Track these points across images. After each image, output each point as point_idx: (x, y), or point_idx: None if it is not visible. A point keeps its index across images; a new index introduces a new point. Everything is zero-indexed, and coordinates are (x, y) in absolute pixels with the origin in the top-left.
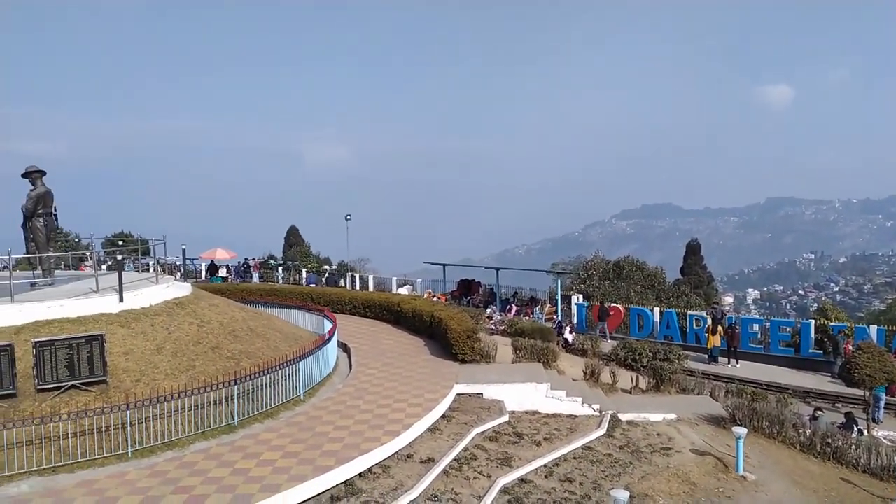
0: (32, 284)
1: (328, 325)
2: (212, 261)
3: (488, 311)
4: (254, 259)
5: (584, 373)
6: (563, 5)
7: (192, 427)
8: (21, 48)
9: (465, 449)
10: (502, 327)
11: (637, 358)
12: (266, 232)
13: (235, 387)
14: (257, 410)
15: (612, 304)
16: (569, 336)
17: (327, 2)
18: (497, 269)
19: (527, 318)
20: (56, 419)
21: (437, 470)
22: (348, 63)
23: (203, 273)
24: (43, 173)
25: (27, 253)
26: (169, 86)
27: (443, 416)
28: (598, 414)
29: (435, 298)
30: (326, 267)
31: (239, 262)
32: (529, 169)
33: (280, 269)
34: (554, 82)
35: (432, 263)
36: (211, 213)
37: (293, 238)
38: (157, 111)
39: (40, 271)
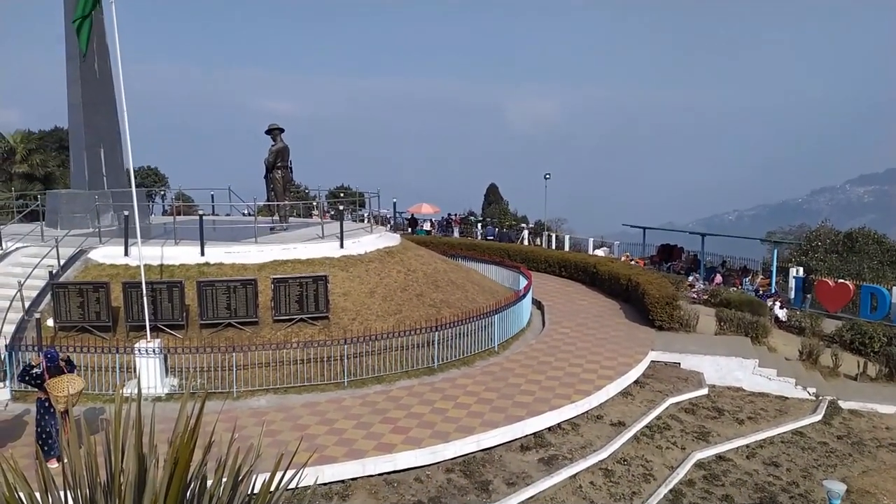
0: (271, 229)
1: (523, 282)
2: (412, 214)
3: (690, 278)
4: (455, 214)
5: (800, 353)
6: None
7: (398, 365)
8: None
9: (659, 417)
10: (705, 296)
11: (867, 342)
12: (468, 188)
13: (436, 333)
14: (455, 357)
15: (840, 280)
16: (779, 312)
17: None
18: (703, 235)
19: (734, 288)
20: (288, 347)
21: (628, 435)
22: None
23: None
24: (282, 130)
25: (267, 201)
26: (382, 43)
27: (636, 382)
28: (814, 398)
29: (633, 262)
30: (523, 225)
31: (442, 217)
32: (743, 123)
33: (479, 225)
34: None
35: (631, 226)
36: (420, 168)
37: (492, 195)
38: (373, 69)
39: (277, 217)
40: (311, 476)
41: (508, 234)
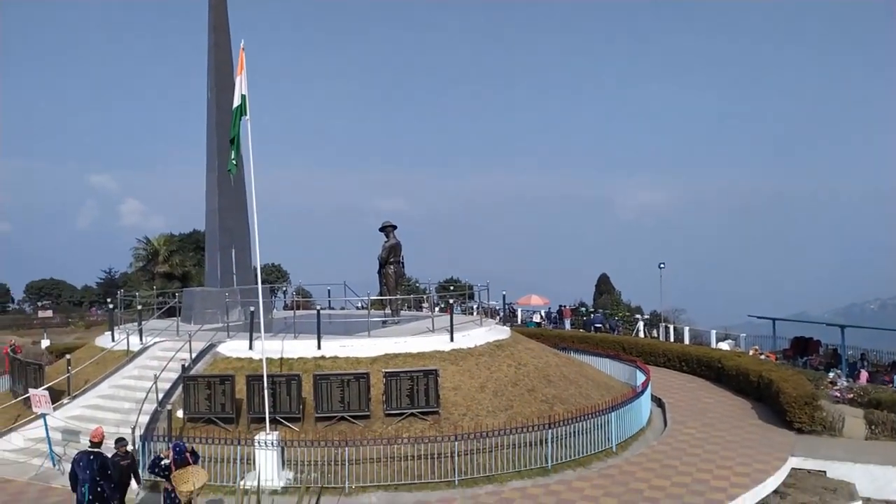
0: (383, 322)
1: (641, 377)
2: (512, 306)
3: (831, 375)
4: (565, 306)
5: None
6: None
7: (510, 464)
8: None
9: None
10: (850, 395)
11: None
12: (578, 279)
13: (549, 430)
14: (569, 457)
15: None
16: None
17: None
18: (842, 327)
19: (884, 386)
20: (399, 442)
21: None
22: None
23: (519, 317)
24: (394, 227)
25: (380, 295)
26: (497, 138)
27: (775, 492)
28: None
29: (763, 356)
30: (638, 316)
31: (551, 309)
32: (880, 204)
33: (590, 315)
34: None
35: (758, 317)
36: (527, 260)
37: (604, 286)
38: (484, 167)
39: (389, 311)
40: None
41: (609, 321)
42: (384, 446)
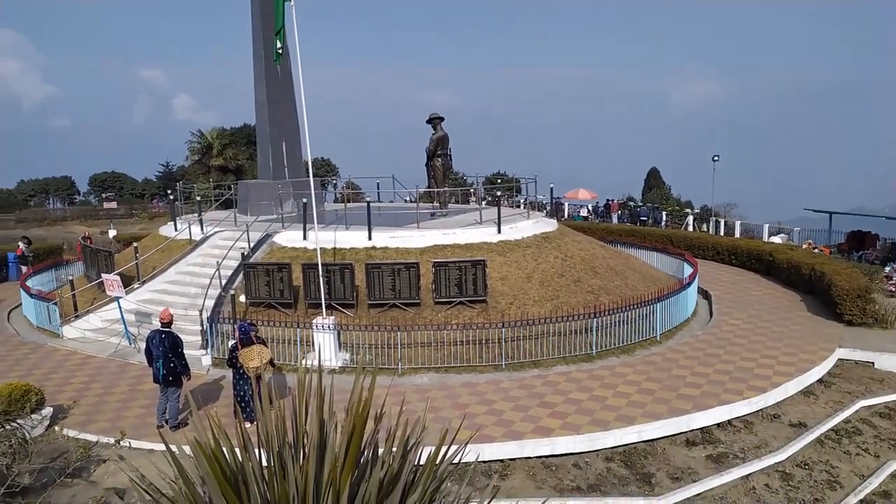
0: (432, 215)
1: (688, 270)
2: (556, 199)
3: (887, 269)
4: (613, 200)
5: None
6: None
7: (555, 351)
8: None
9: (847, 421)
10: None
11: None
12: (628, 174)
13: (595, 319)
14: (613, 345)
15: None
16: None
17: None
18: None
19: None
20: (448, 328)
21: (810, 437)
22: None
23: (564, 211)
24: (442, 119)
25: (428, 188)
26: (542, 32)
27: (819, 381)
28: None
29: (816, 250)
30: (688, 210)
31: (598, 203)
32: None
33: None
34: None
35: (814, 210)
36: (576, 155)
37: (653, 180)
38: (530, 60)
39: (438, 204)
40: (473, 453)
41: (655, 214)
42: (434, 331)
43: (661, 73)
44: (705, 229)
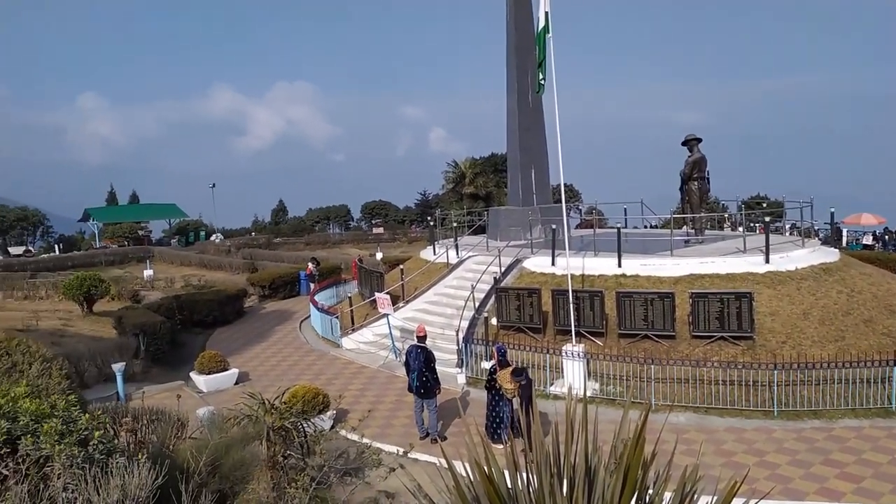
0: (686, 241)
1: None
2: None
3: None
4: None
5: None
6: None
7: (841, 401)
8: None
9: None
10: None
11: None
12: None
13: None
14: None
15: None
16: None
17: None
18: None
19: None
20: (707, 365)
21: None
22: None
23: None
24: (699, 140)
25: (681, 213)
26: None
27: None
28: None
29: None
30: None
31: (886, 229)
32: None
33: None
34: None
35: None
36: (851, 173)
37: None
38: (785, 68)
39: (692, 230)
40: None
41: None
42: (692, 367)
43: None
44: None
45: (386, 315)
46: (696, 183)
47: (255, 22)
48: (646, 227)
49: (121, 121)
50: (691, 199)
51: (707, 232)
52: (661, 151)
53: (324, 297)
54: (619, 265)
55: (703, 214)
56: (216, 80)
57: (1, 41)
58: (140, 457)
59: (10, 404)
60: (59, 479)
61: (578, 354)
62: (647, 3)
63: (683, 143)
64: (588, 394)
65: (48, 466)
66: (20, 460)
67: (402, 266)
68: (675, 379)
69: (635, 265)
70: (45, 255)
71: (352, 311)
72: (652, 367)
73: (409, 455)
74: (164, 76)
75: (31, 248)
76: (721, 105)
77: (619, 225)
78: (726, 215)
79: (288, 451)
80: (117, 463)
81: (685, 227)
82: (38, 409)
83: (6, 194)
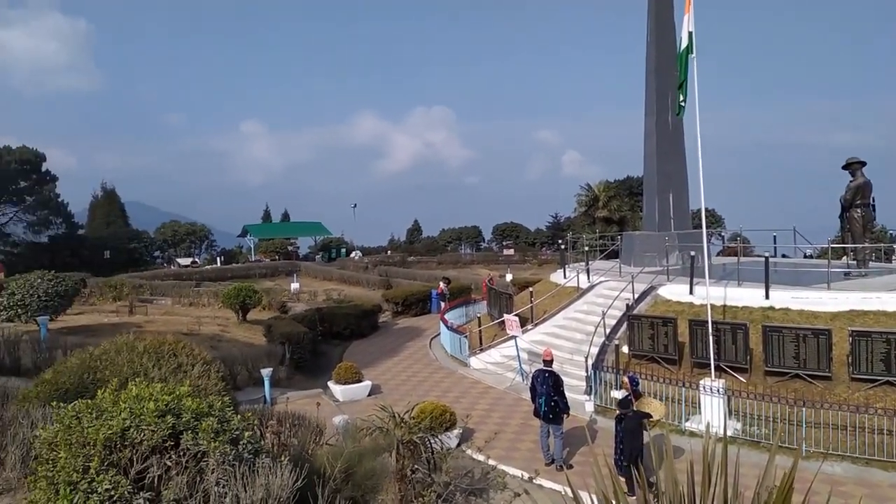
0: (846, 274)
1: None
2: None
3: None
4: None
5: None
6: None
7: None
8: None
9: None
10: None
11: None
12: None
13: None
14: None
15: None
16: None
17: None
18: None
19: None
20: (870, 412)
21: None
22: None
23: None
24: (863, 164)
25: (842, 242)
26: None
27: None
28: None
29: None
30: None
31: None
32: None
33: None
34: None
35: None
36: None
37: None
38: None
39: (854, 261)
40: None
41: None
42: (850, 413)
43: None
44: None
45: (514, 337)
46: (858, 210)
47: (399, 49)
48: (805, 256)
49: (276, 146)
50: (853, 227)
51: (871, 264)
52: (816, 176)
53: (453, 316)
54: (767, 296)
55: (866, 245)
56: (361, 107)
57: (194, 74)
58: (283, 459)
59: (176, 402)
60: (212, 473)
61: (719, 390)
62: (796, 20)
63: (845, 167)
64: (728, 433)
65: (204, 461)
66: (182, 453)
67: (531, 288)
68: (830, 424)
69: (785, 297)
70: (208, 267)
71: (480, 331)
72: (804, 409)
73: (534, 481)
74: (315, 104)
75: (196, 259)
76: (890, 125)
77: (766, 253)
78: (895, 246)
79: (416, 466)
80: (263, 463)
81: (845, 257)
82: (198, 407)
83: (179, 211)
